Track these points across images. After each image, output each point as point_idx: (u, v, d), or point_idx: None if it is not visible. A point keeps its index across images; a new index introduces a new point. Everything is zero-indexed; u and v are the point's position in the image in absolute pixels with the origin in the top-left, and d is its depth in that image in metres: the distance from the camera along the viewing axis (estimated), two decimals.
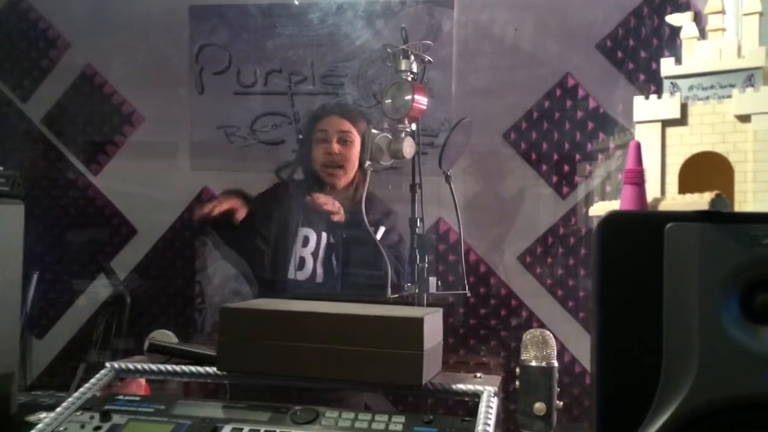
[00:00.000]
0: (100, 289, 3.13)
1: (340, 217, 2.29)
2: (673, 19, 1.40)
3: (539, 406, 1.23)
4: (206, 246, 3.05)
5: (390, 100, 1.95)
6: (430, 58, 2.01)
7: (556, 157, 2.86)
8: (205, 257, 3.07)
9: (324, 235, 2.36)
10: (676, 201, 1.24)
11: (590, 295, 0.91)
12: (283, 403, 1.27)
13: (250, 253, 2.46)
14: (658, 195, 1.30)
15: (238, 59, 3.08)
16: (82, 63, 3.18)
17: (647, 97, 1.33)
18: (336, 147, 2.34)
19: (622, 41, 2.80)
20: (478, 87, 2.89)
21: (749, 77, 1.28)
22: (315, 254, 2.35)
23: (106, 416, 1.26)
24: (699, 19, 1.38)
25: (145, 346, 1.47)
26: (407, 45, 1.96)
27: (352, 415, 1.22)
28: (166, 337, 1.49)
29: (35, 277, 2.97)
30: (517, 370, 1.27)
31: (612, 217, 0.90)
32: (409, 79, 1.94)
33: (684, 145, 1.29)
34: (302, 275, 2.34)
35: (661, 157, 1.29)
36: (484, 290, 2.88)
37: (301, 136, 2.64)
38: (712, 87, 1.30)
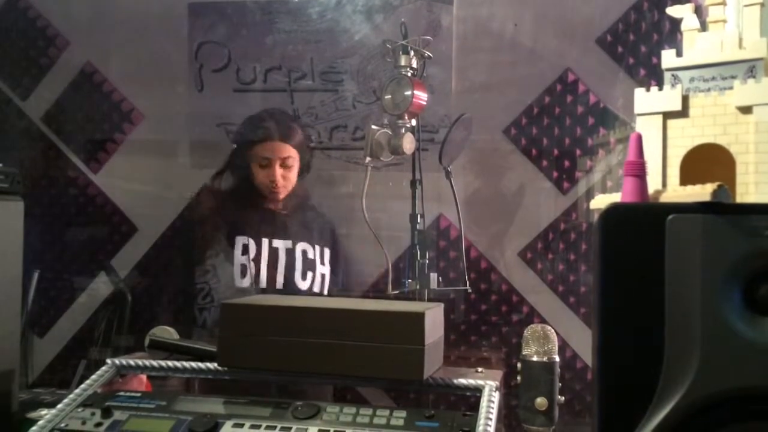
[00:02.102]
0: (100, 287, 3.13)
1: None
2: (673, 10, 1.40)
3: (541, 401, 1.23)
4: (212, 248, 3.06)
5: (390, 96, 1.95)
6: (429, 54, 2.01)
7: (556, 152, 2.85)
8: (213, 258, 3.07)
9: (265, 241, 2.42)
10: (677, 193, 1.24)
11: (592, 290, 0.91)
12: (284, 399, 1.26)
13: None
14: (660, 187, 1.30)
15: (237, 56, 3.07)
16: (82, 61, 3.17)
17: (648, 90, 1.33)
18: (279, 172, 2.42)
19: (622, 36, 2.79)
20: (478, 82, 2.88)
21: (750, 68, 1.27)
22: (257, 261, 2.42)
23: (107, 412, 1.26)
24: (700, 11, 1.38)
25: (146, 342, 1.47)
26: (407, 40, 1.96)
27: (353, 410, 1.22)
28: (166, 333, 1.49)
29: (36, 275, 2.96)
30: (519, 365, 1.27)
31: (613, 210, 0.89)
32: (409, 74, 1.94)
33: (685, 137, 1.29)
34: (245, 282, 2.42)
35: (662, 149, 1.29)
36: (485, 286, 2.88)
37: (234, 146, 2.67)
38: (713, 79, 1.30)
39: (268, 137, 2.47)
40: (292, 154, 2.45)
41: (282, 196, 2.45)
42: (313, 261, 2.46)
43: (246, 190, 2.49)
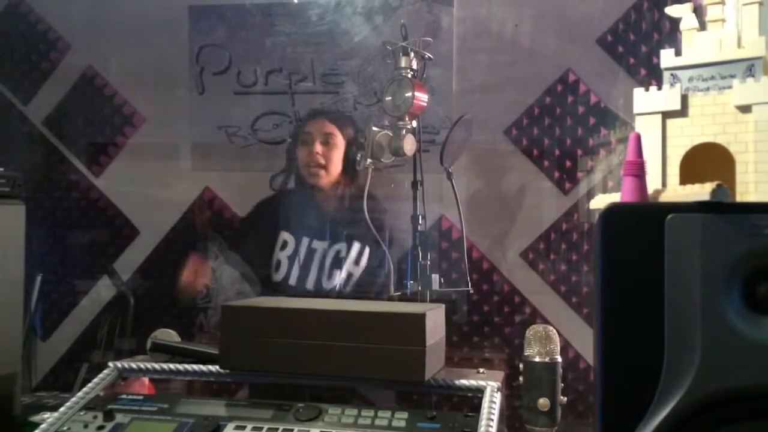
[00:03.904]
0: (103, 290, 3.13)
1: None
2: (672, 10, 1.40)
3: (543, 402, 1.23)
4: (209, 251, 3.06)
5: (390, 98, 1.95)
6: (430, 55, 2.01)
7: (557, 152, 2.85)
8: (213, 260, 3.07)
9: (305, 240, 2.42)
10: (677, 192, 1.24)
11: (593, 289, 0.91)
12: (286, 401, 1.27)
13: (249, 255, 2.57)
14: (659, 186, 1.29)
15: (238, 59, 3.08)
16: (83, 65, 3.18)
17: (647, 89, 1.33)
18: (318, 147, 2.40)
19: (622, 35, 2.79)
20: (478, 83, 2.88)
21: (749, 67, 1.27)
22: (291, 258, 2.42)
23: (109, 416, 1.26)
24: (699, 11, 1.38)
25: (148, 345, 1.47)
26: (407, 42, 1.96)
27: (355, 411, 1.22)
28: (168, 336, 1.49)
29: (39, 278, 2.97)
30: (521, 365, 1.27)
31: (613, 210, 0.89)
32: (409, 76, 1.94)
33: (685, 136, 1.29)
34: (277, 277, 2.43)
35: (661, 149, 1.29)
36: (487, 287, 2.88)
37: (289, 140, 2.68)
38: (712, 78, 1.30)
39: (312, 116, 2.56)
40: (333, 131, 2.42)
41: (323, 179, 2.41)
42: (343, 260, 2.44)
43: (296, 184, 2.50)
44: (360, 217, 2.44)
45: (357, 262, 2.47)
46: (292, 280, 2.42)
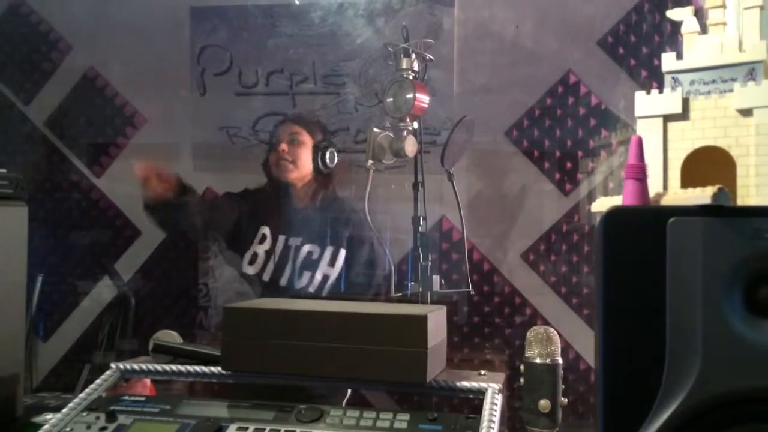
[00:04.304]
0: (104, 291, 3.14)
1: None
2: (673, 13, 1.40)
3: (544, 403, 1.23)
4: (210, 251, 3.07)
5: (392, 99, 1.95)
6: (431, 57, 2.01)
7: (558, 154, 2.86)
8: (209, 261, 3.08)
9: (281, 237, 2.46)
10: (678, 196, 1.24)
11: (594, 291, 0.91)
12: (287, 402, 1.27)
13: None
14: (661, 190, 1.30)
15: (239, 60, 3.09)
16: (84, 65, 3.18)
17: (648, 92, 1.33)
18: (284, 146, 2.45)
19: (623, 37, 2.79)
20: (479, 85, 2.89)
21: (750, 71, 1.27)
22: (269, 252, 2.46)
23: (111, 417, 1.26)
24: (700, 14, 1.38)
25: (150, 346, 1.47)
26: (408, 43, 1.96)
27: (356, 413, 1.22)
28: (170, 337, 1.49)
29: (40, 279, 2.97)
30: (522, 367, 1.27)
31: (614, 213, 0.90)
32: (411, 77, 1.95)
33: (686, 139, 1.29)
34: (252, 270, 2.47)
35: (663, 152, 1.29)
36: (488, 288, 2.88)
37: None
38: (713, 81, 1.30)
39: (281, 123, 2.63)
40: (297, 130, 2.48)
41: (293, 173, 2.45)
42: (317, 261, 2.46)
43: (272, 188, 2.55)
44: (336, 216, 2.48)
45: (332, 263, 2.49)
46: (266, 276, 2.47)
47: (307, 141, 2.48)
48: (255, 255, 2.48)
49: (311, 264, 2.46)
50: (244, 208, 2.56)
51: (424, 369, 1.23)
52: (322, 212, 2.50)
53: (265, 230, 2.48)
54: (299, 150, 2.46)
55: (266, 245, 2.48)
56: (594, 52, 2.81)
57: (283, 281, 2.45)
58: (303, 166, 2.47)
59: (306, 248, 2.46)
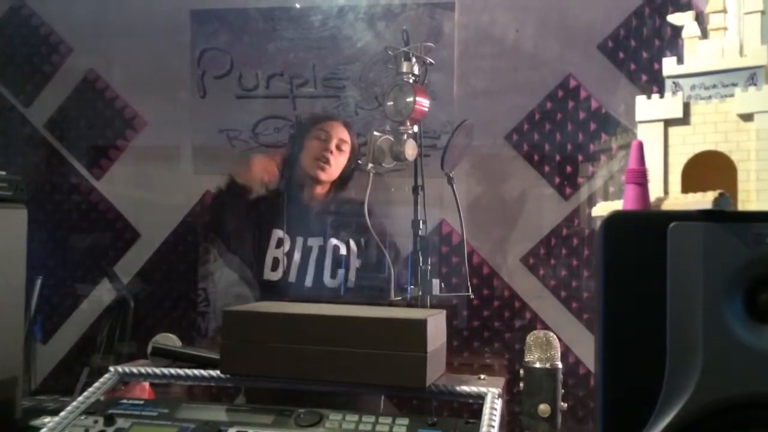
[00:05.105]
0: (103, 294, 3.13)
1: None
2: (674, 18, 1.40)
3: (543, 408, 1.23)
4: (210, 254, 3.06)
5: (392, 103, 1.95)
6: (431, 60, 2.01)
7: (558, 158, 2.85)
8: (209, 264, 3.07)
9: (299, 240, 2.42)
10: (679, 200, 1.24)
11: (594, 296, 0.91)
12: (287, 406, 1.26)
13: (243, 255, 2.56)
14: (661, 194, 1.30)
15: (239, 63, 3.09)
16: (85, 68, 3.19)
17: (649, 97, 1.33)
18: (333, 147, 2.40)
19: (623, 41, 2.80)
20: (479, 89, 2.89)
21: (751, 76, 1.28)
22: (289, 255, 2.41)
23: (110, 420, 1.26)
24: (701, 19, 1.38)
25: (149, 349, 1.47)
26: (409, 47, 1.96)
27: (355, 417, 1.22)
28: (169, 340, 1.49)
29: (39, 281, 2.97)
30: (521, 371, 1.27)
31: (615, 217, 0.89)
32: (411, 81, 1.95)
33: (687, 144, 1.29)
34: (275, 276, 2.40)
35: (663, 157, 1.29)
36: (488, 292, 2.88)
37: (292, 131, 2.68)
38: (714, 86, 1.30)
39: (331, 117, 2.58)
40: (346, 138, 2.45)
41: (323, 175, 2.41)
42: (344, 258, 2.45)
43: (293, 182, 2.50)
44: (348, 219, 2.47)
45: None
46: (291, 278, 2.41)
47: (348, 150, 2.45)
48: (276, 260, 2.42)
49: (338, 261, 2.44)
50: (252, 212, 2.50)
51: (423, 373, 1.22)
52: (337, 212, 2.47)
53: (280, 233, 2.43)
54: (341, 158, 2.44)
55: (285, 248, 2.42)
56: (594, 56, 2.82)
57: (308, 281, 2.42)
58: (336, 170, 2.44)
59: (332, 243, 2.43)
